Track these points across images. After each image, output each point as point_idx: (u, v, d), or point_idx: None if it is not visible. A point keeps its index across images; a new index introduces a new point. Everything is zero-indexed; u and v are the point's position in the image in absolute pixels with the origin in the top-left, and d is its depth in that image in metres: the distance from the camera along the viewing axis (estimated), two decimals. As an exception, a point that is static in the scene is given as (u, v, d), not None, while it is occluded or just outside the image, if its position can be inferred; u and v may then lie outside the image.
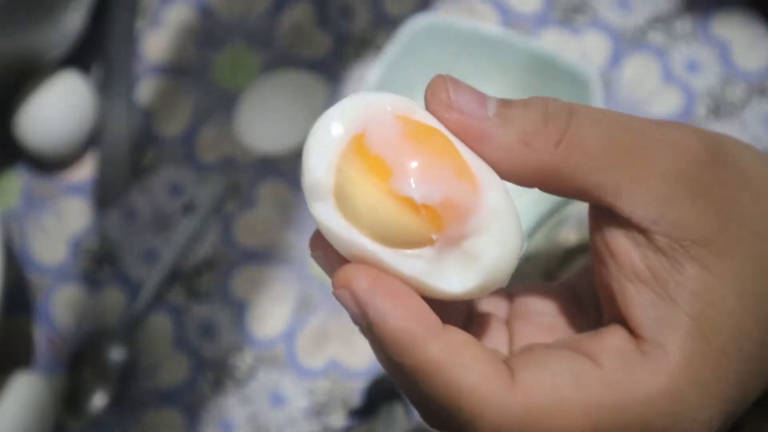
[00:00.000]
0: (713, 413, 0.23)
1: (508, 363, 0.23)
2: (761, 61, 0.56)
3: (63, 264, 0.53)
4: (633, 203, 0.22)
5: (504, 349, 0.26)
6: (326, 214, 0.23)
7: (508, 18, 0.58)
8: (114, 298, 0.52)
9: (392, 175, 0.22)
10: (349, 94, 0.23)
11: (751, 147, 0.25)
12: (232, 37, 0.58)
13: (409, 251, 0.22)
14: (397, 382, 0.24)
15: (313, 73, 0.57)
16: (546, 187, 0.23)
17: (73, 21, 0.53)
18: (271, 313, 0.52)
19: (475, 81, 0.56)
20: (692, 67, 0.56)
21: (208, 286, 0.52)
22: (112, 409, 0.50)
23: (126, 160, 0.54)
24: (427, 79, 0.54)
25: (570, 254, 0.42)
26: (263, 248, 0.53)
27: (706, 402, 0.22)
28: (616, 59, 0.56)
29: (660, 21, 0.57)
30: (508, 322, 0.27)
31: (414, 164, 0.22)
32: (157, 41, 0.58)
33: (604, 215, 0.23)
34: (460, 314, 0.27)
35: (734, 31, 0.57)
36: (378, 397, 0.49)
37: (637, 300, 0.23)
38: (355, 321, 0.23)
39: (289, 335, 0.51)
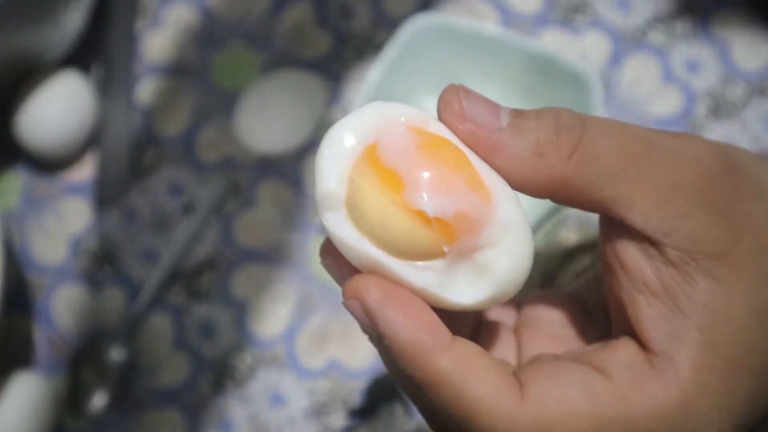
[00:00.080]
0: (723, 426, 0.22)
1: (518, 375, 0.23)
2: (761, 61, 0.56)
3: (63, 264, 0.53)
4: (645, 216, 0.22)
5: (512, 359, 0.27)
6: (338, 224, 0.23)
7: (509, 18, 0.58)
8: (114, 298, 0.52)
9: (405, 188, 0.22)
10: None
11: (765, 160, 0.25)
12: (232, 37, 0.58)
13: (420, 263, 0.22)
14: (406, 393, 0.24)
15: (313, 73, 0.57)
16: (558, 198, 0.23)
17: (73, 21, 0.53)
18: (271, 313, 0.52)
19: (475, 81, 0.56)
20: (692, 67, 0.56)
21: (208, 286, 0.52)
22: (112, 409, 0.50)
23: (126, 160, 0.54)
24: (427, 79, 0.54)
25: (570, 254, 0.42)
26: (263, 248, 0.53)
27: (716, 415, 0.22)
28: (616, 59, 0.56)
29: (660, 21, 0.57)
30: (516, 331, 0.27)
31: (426, 177, 0.22)
32: (157, 41, 0.58)
33: (615, 227, 0.23)
34: (469, 323, 0.27)
35: (734, 31, 0.57)
36: (378, 397, 0.49)
37: (647, 313, 0.23)
38: (365, 331, 0.23)
39: (289, 335, 0.51)
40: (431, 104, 0.56)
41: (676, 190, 0.22)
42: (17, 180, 0.55)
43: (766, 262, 0.23)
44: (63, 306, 0.52)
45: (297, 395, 0.50)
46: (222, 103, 0.56)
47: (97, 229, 0.54)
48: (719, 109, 0.55)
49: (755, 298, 0.23)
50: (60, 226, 0.54)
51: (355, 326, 0.24)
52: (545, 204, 0.45)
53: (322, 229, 0.23)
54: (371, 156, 0.22)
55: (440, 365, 0.22)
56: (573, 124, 0.23)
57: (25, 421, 0.47)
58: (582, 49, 0.57)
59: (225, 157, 0.55)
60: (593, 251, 0.41)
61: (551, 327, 0.27)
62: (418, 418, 0.47)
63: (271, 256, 0.53)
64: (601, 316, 0.27)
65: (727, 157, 0.24)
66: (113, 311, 0.52)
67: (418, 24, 0.52)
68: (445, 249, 0.22)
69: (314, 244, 0.53)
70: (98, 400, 0.49)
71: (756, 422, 0.24)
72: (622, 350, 0.23)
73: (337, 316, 0.51)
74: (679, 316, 0.22)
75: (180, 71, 0.57)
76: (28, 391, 0.47)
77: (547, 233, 0.45)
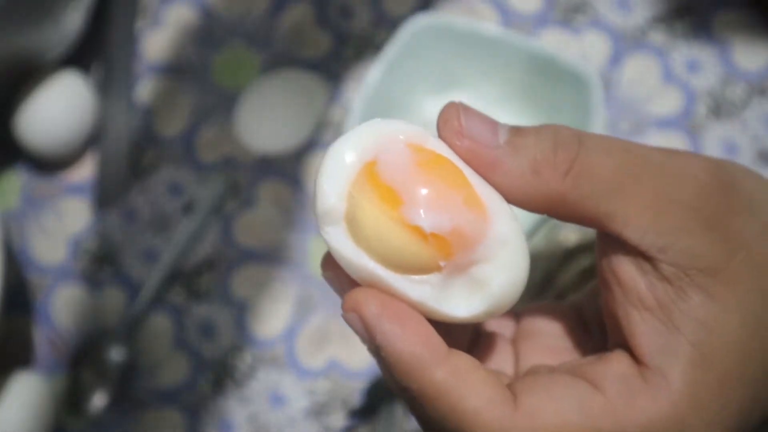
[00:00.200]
0: None
1: (512, 387, 0.23)
2: (761, 61, 0.56)
3: (63, 264, 0.53)
4: (640, 231, 0.23)
5: (509, 369, 0.27)
6: (337, 239, 0.23)
7: (508, 18, 0.58)
8: (114, 298, 0.52)
9: (402, 204, 0.22)
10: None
11: (760, 176, 0.25)
12: (232, 37, 0.58)
13: (417, 277, 0.23)
14: (404, 403, 0.24)
15: (313, 73, 0.57)
16: (555, 214, 0.24)
17: (73, 21, 0.53)
18: (271, 313, 0.52)
19: (474, 81, 0.56)
20: (692, 67, 0.56)
21: (207, 286, 0.52)
22: (112, 409, 0.50)
23: (126, 160, 0.54)
24: (427, 79, 0.54)
25: (570, 254, 0.42)
26: (263, 248, 0.53)
27: (708, 429, 0.23)
28: (616, 59, 0.56)
29: (660, 21, 0.57)
30: (514, 342, 0.28)
31: (424, 193, 0.23)
32: (157, 41, 0.58)
33: (611, 242, 0.24)
34: (467, 334, 0.27)
35: (735, 31, 0.57)
36: (378, 397, 0.49)
37: (641, 327, 0.23)
38: (364, 343, 0.24)
39: (289, 335, 0.51)
40: (431, 104, 0.57)
41: (670, 206, 0.23)
42: (17, 180, 0.55)
43: (760, 278, 0.23)
44: (63, 306, 0.52)
45: (297, 395, 0.50)
46: (222, 103, 0.56)
47: (96, 229, 0.54)
48: (719, 109, 0.55)
49: (748, 314, 0.23)
50: (60, 226, 0.54)
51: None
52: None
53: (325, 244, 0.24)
54: (370, 172, 0.23)
55: (435, 377, 0.22)
56: (570, 141, 0.23)
57: (24, 421, 0.47)
58: (582, 49, 0.57)
59: (225, 157, 0.55)
60: (593, 251, 0.41)
61: (548, 339, 0.27)
62: (418, 418, 0.47)
63: (271, 256, 0.53)
64: (598, 329, 0.27)
65: (721, 173, 0.24)
66: (113, 311, 0.52)
67: (418, 24, 0.52)
68: (442, 263, 0.23)
69: (314, 245, 0.53)
70: (98, 400, 0.49)
71: None
72: (616, 364, 0.24)
73: (337, 316, 0.51)
74: (672, 331, 0.23)
75: (180, 71, 0.57)
76: (27, 391, 0.47)
77: (547, 233, 0.45)
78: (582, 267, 0.41)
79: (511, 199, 0.24)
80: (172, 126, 0.56)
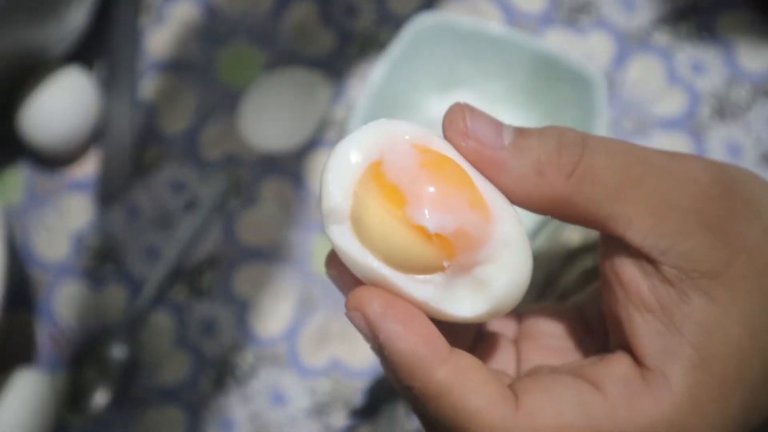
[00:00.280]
0: None
1: (513, 387, 0.23)
2: (766, 63, 0.56)
3: (65, 261, 0.53)
4: (642, 234, 0.23)
5: (511, 370, 0.27)
6: (342, 238, 0.23)
7: (513, 17, 0.57)
8: (116, 296, 0.52)
9: (407, 204, 0.23)
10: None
11: (763, 180, 0.25)
12: (235, 34, 0.58)
13: (420, 276, 0.23)
14: (406, 402, 0.25)
15: (317, 71, 0.56)
16: (558, 215, 0.24)
17: (76, 17, 0.53)
18: (273, 312, 0.52)
19: (478, 80, 0.56)
20: (697, 68, 0.56)
21: (210, 284, 0.52)
22: (113, 407, 0.50)
23: (129, 157, 0.54)
24: (431, 78, 0.54)
25: (573, 254, 0.42)
26: (265, 246, 0.53)
27: (708, 431, 0.23)
28: (620, 60, 0.56)
29: (665, 22, 0.57)
30: (516, 342, 0.28)
31: (428, 194, 0.23)
32: (160, 38, 0.58)
33: (613, 244, 0.24)
34: (470, 334, 0.27)
35: (739, 32, 0.57)
36: (380, 397, 0.49)
37: (643, 329, 0.23)
38: (367, 341, 0.24)
39: (291, 334, 0.51)
40: (434, 103, 0.56)
41: (673, 209, 0.23)
42: (20, 176, 0.55)
43: (761, 282, 0.23)
44: (65, 303, 0.52)
45: (298, 394, 0.50)
46: (225, 101, 0.56)
47: (99, 225, 0.54)
48: (724, 110, 0.55)
49: (749, 317, 0.23)
50: (62, 223, 0.54)
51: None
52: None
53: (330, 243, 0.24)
54: (376, 172, 0.23)
55: (437, 377, 0.22)
56: (574, 143, 0.23)
57: (26, 418, 0.47)
58: (586, 50, 0.57)
59: (228, 155, 0.55)
60: (596, 252, 0.41)
61: (551, 339, 0.27)
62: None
63: (274, 254, 0.53)
64: (600, 330, 0.27)
65: (724, 177, 0.24)
66: (115, 308, 0.52)
67: (422, 23, 0.52)
68: (445, 264, 0.23)
69: (316, 243, 0.53)
70: (100, 398, 0.49)
71: None
72: (617, 365, 0.24)
73: (339, 315, 0.51)
74: (674, 333, 0.23)
75: (183, 68, 0.57)
76: (29, 388, 0.47)
77: (550, 234, 0.44)
78: (585, 268, 0.41)
79: (515, 200, 0.24)
80: (176, 123, 0.56)
